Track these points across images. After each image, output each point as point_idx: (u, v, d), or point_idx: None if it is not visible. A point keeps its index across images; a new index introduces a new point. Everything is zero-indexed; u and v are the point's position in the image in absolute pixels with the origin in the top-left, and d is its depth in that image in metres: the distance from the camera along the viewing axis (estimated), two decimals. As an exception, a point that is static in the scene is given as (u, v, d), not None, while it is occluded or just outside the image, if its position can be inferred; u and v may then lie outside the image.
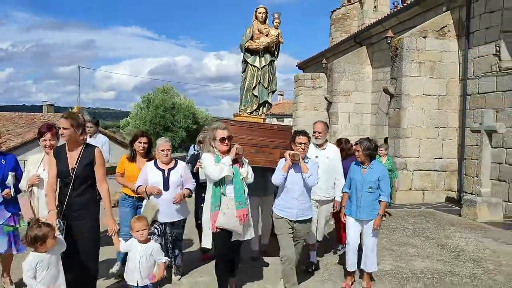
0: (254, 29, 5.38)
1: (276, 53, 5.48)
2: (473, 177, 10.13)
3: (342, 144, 6.01)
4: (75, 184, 3.69)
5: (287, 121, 34.63)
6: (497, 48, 9.40)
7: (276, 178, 4.27)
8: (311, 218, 4.51)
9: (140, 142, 4.97)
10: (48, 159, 3.85)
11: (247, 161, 4.23)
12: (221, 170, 3.92)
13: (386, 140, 11.98)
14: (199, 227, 5.48)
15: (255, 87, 5.36)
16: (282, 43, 5.46)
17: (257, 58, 5.35)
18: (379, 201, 4.51)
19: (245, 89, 5.42)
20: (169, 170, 4.58)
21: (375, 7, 22.62)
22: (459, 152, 10.68)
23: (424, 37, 10.58)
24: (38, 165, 4.38)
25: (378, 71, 14.81)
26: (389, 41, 11.95)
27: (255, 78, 5.36)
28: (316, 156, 5.00)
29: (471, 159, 10.23)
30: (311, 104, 19.21)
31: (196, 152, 5.93)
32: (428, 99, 10.62)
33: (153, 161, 4.70)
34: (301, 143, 4.26)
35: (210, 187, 4.08)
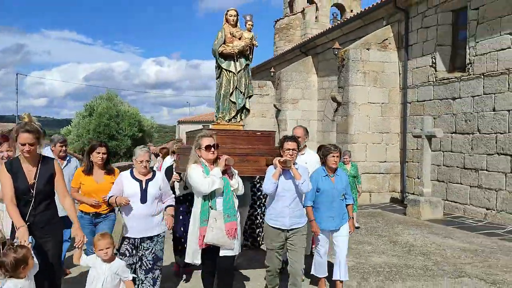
0: (226, 33, 5.12)
1: (251, 56, 5.26)
2: (414, 179, 10.98)
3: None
4: (36, 201, 3.41)
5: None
6: (433, 60, 10.31)
7: (267, 187, 4.07)
8: (305, 224, 4.30)
9: (99, 153, 4.55)
10: (0, 171, 3.47)
11: (236, 172, 4.02)
12: (212, 182, 3.70)
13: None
14: (175, 241, 5.26)
15: (232, 93, 5.12)
16: (257, 46, 5.28)
17: (232, 62, 5.11)
18: (346, 205, 4.61)
19: (221, 95, 5.16)
20: (147, 181, 4.19)
21: (316, 17, 23.69)
22: (401, 156, 11.53)
23: (368, 49, 11.35)
24: None
25: (324, 80, 15.54)
26: (335, 53, 12.64)
27: (231, 83, 5.12)
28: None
29: (412, 162, 11.09)
30: (259, 111, 19.65)
31: (170, 164, 5.57)
32: (373, 107, 11.38)
33: (128, 170, 4.34)
34: (289, 149, 4.11)
35: (198, 201, 3.87)
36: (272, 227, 4.17)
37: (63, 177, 3.66)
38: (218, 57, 5.10)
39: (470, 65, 9.23)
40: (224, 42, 5.09)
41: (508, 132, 8.35)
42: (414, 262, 5.83)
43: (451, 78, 9.77)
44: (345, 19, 15.18)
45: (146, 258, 4.11)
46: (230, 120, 5.16)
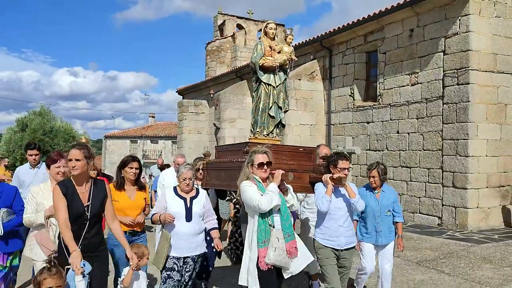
0: (265, 46, 4.94)
1: (289, 71, 5.12)
2: (337, 187, 13.25)
3: None
4: (91, 223, 3.35)
5: (161, 143, 35.93)
6: (352, 90, 12.73)
7: (323, 205, 3.94)
8: (355, 245, 4.28)
9: (131, 168, 4.40)
10: (54, 193, 3.34)
11: (290, 187, 3.87)
12: (271, 199, 3.48)
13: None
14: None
15: (271, 107, 4.94)
16: (296, 60, 5.20)
17: (272, 76, 4.93)
18: (395, 222, 4.68)
19: (260, 109, 4.94)
20: (191, 199, 4.18)
21: (245, 41, 25.92)
22: (327, 169, 13.79)
23: (299, 79, 13.55)
24: (49, 194, 3.73)
25: (258, 102, 17.54)
26: (272, 81, 14.72)
27: (270, 97, 4.94)
28: None
29: (335, 173, 13.36)
30: (195, 128, 21.22)
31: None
32: (303, 128, 13.57)
33: (171, 188, 4.34)
34: (344, 168, 4.06)
35: (254, 220, 3.61)
36: (326, 246, 4.10)
37: (111, 200, 3.63)
38: (258, 70, 4.89)
39: (380, 96, 11.70)
40: (263, 55, 4.94)
41: (408, 150, 10.84)
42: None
43: (366, 106, 12.21)
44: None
45: (185, 280, 4.15)
46: (268, 134, 4.97)
